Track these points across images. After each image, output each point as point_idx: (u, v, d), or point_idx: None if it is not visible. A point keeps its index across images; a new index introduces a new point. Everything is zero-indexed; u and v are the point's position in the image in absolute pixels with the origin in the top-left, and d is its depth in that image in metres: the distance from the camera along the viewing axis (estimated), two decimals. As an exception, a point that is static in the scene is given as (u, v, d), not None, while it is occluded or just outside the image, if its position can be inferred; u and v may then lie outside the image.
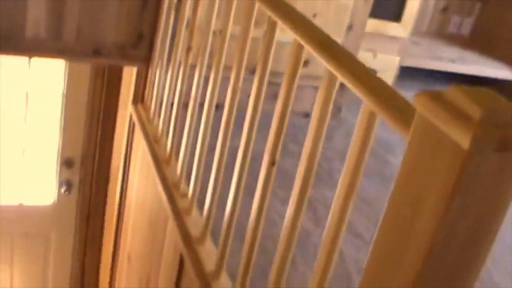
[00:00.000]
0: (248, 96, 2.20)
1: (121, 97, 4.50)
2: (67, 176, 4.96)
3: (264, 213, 2.09)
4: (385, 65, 4.92)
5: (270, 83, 2.17)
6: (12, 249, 5.10)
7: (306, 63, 3.84)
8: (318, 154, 1.75)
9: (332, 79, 1.65)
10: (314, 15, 3.97)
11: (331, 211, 1.64)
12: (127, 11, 3.59)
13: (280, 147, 1.99)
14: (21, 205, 4.97)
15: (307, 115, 3.62)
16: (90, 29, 3.56)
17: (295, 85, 1.90)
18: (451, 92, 1.05)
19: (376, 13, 4.49)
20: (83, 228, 5.13)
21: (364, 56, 4.56)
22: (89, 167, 4.92)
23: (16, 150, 4.75)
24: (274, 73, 2.21)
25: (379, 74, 4.16)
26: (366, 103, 1.44)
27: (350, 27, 4.17)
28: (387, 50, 4.98)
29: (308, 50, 1.77)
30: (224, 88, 2.47)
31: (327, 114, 1.69)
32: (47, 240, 5.18)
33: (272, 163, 2.00)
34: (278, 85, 1.96)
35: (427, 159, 1.11)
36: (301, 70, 1.92)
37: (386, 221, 1.28)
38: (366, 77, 1.51)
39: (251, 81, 2.19)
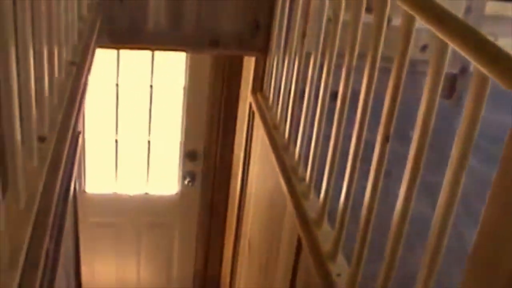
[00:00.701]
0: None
1: (242, 87, 4.58)
2: (190, 167, 5.11)
3: (378, 189, 2.08)
4: (507, 49, 4.70)
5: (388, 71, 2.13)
6: (139, 239, 5.31)
7: (424, 47, 3.80)
8: (431, 126, 1.73)
9: (442, 46, 1.62)
10: None
11: (443, 185, 1.62)
12: (244, 0, 3.67)
13: (393, 123, 1.97)
14: (146, 195, 5.17)
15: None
16: (208, 20, 3.67)
17: (407, 58, 1.87)
18: None
19: (496, -7, 4.32)
20: (206, 218, 5.26)
21: (485, 40, 4.38)
22: (211, 159, 5.04)
23: (142, 141, 4.95)
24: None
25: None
26: (476, 66, 1.40)
27: (468, 10, 4.04)
28: (509, 34, 4.76)
29: (419, 20, 1.74)
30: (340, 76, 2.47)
31: (439, 85, 1.66)
32: (171, 230, 5.36)
33: (386, 139, 1.98)
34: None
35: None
36: (418, 55, 1.89)
37: (495, 190, 1.25)
38: (476, 41, 1.47)
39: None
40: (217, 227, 5.23)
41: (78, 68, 2.58)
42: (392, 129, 1.98)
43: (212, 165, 5.06)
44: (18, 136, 1.55)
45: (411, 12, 1.77)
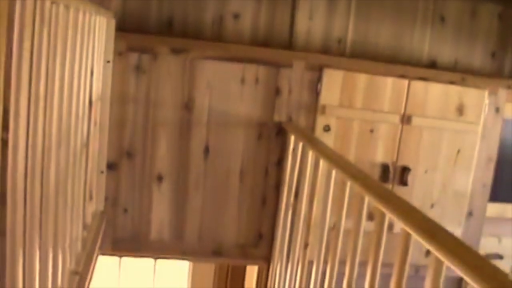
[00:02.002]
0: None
1: (244, 297, 4.52)
2: None
3: None
4: None
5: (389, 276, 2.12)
6: None
7: (429, 253, 3.79)
8: None
9: (438, 266, 1.62)
10: (432, 205, 3.97)
11: None
12: (247, 212, 3.76)
13: None
14: None
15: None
16: (211, 231, 3.73)
17: (406, 274, 1.87)
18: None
19: (496, 196, 4.39)
20: None
21: (488, 242, 4.41)
22: None
23: None
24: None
25: (505, 260, 3.96)
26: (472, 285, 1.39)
27: (470, 214, 4.11)
28: (511, 234, 4.77)
29: (415, 238, 1.76)
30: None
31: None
32: None
33: None
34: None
35: None
36: (423, 260, 1.88)
37: None
38: (478, 264, 1.46)
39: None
40: None
41: (81, 279, 2.55)
42: None
43: None
44: None
45: (407, 229, 1.80)
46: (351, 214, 2.42)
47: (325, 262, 2.71)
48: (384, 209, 2.05)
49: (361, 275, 2.32)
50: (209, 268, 4.64)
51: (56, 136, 1.89)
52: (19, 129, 1.40)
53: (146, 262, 4.51)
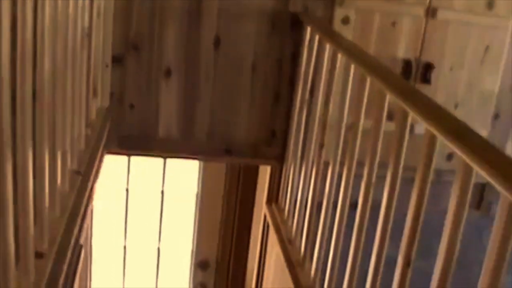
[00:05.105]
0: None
1: (256, 197, 4.45)
2: (202, 278, 4.91)
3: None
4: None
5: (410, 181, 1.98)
6: None
7: (450, 156, 3.66)
8: (457, 247, 1.56)
9: (467, 170, 1.47)
10: (456, 106, 3.79)
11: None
12: (259, 109, 3.59)
13: (415, 247, 1.79)
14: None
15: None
16: (222, 128, 3.58)
17: (430, 178, 1.72)
18: None
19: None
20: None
21: (516, 147, 4.25)
22: (224, 269, 4.85)
23: (151, 249, 4.78)
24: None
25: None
26: (505, 195, 1.24)
27: (496, 116, 3.93)
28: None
29: (441, 139, 1.60)
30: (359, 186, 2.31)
31: (465, 205, 1.50)
32: None
33: (407, 264, 1.81)
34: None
35: None
36: (444, 164, 1.76)
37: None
38: (505, 167, 1.33)
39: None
40: None
41: (84, 178, 2.45)
42: (414, 252, 1.80)
43: (225, 277, 4.85)
44: (12, 252, 1.42)
45: (433, 131, 1.64)
46: (370, 113, 2.25)
47: (341, 164, 2.57)
48: (406, 107, 1.88)
49: (379, 177, 2.19)
50: (220, 167, 4.55)
51: (51, 25, 1.75)
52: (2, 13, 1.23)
53: (156, 161, 4.44)
